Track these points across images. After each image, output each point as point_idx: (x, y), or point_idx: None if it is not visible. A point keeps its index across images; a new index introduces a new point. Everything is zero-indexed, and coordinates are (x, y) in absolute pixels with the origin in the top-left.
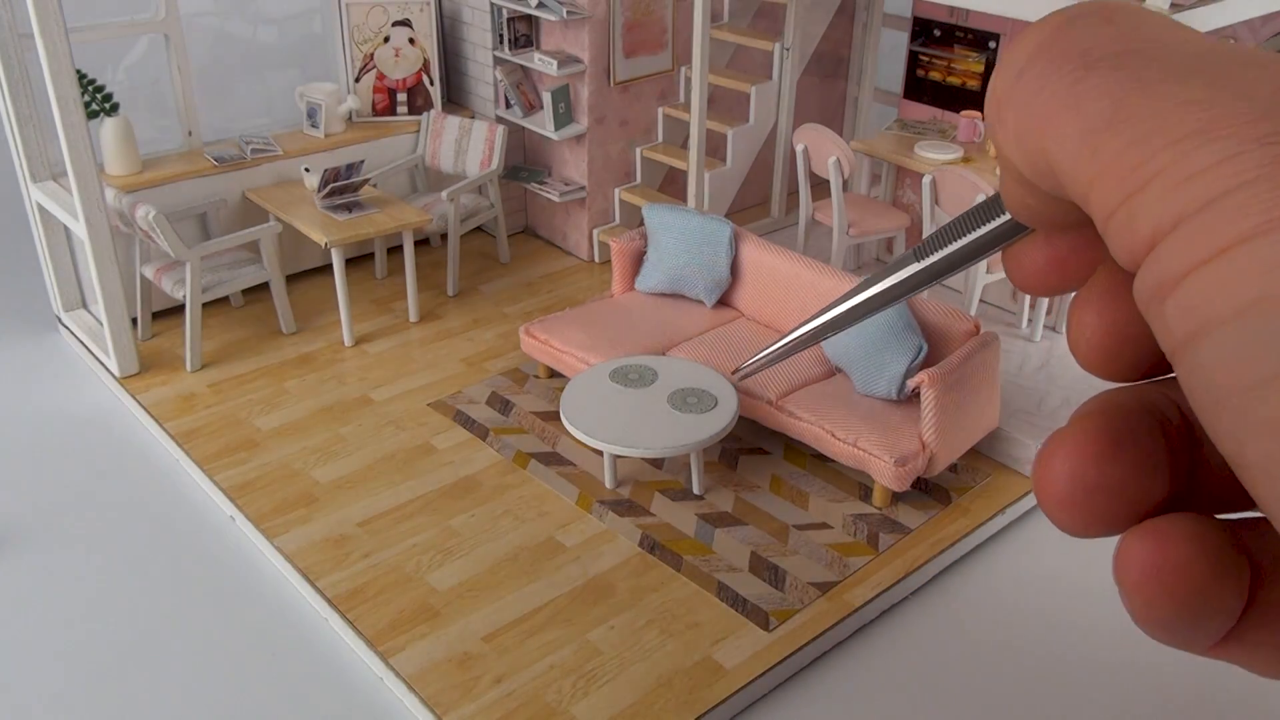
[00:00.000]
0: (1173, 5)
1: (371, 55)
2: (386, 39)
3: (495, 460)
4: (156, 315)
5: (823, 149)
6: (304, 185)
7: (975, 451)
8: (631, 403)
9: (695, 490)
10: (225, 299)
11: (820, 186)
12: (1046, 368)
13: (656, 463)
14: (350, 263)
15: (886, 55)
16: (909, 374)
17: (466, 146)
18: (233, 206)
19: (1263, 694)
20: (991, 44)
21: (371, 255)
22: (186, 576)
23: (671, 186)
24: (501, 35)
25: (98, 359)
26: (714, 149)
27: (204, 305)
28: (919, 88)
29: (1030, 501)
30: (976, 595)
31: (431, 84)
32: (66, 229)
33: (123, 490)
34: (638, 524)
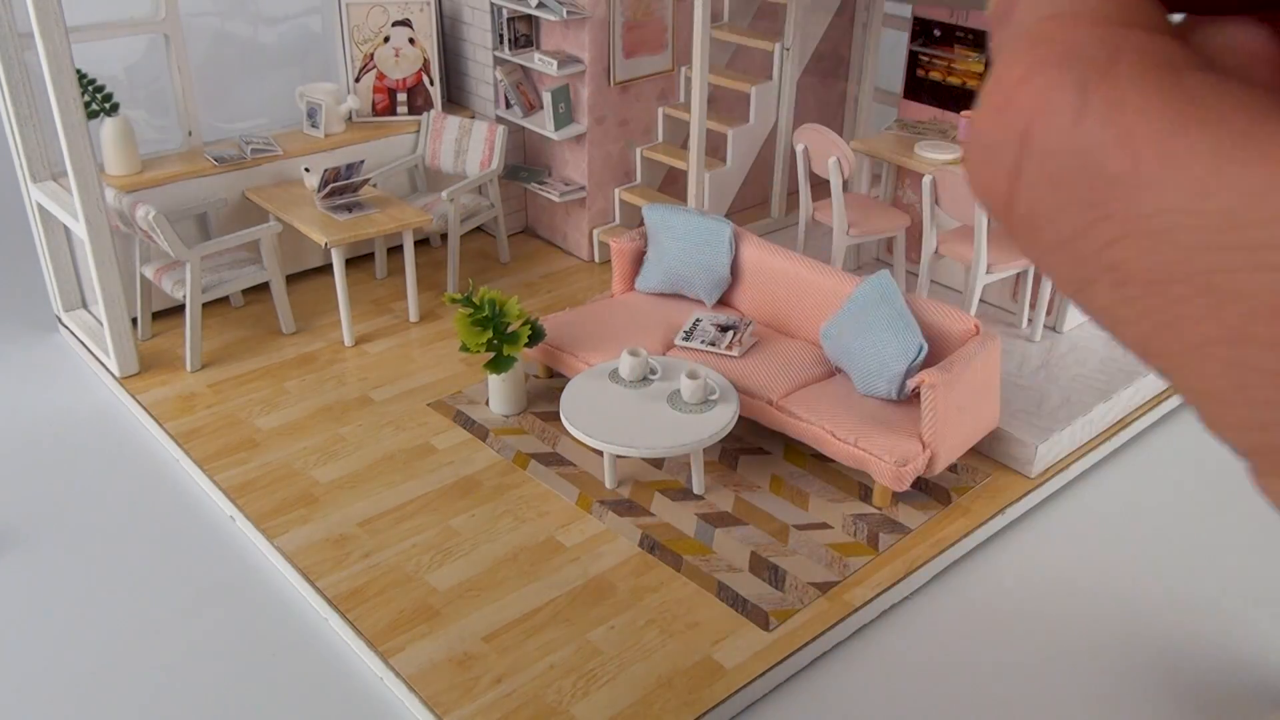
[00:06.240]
0: None
1: (371, 55)
2: (386, 39)
3: (495, 460)
4: (156, 315)
5: (823, 149)
6: (304, 185)
7: (975, 451)
8: (631, 403)
9: (695, 490)
10: (225, 299)
11: (820, 186)
12: (1046, 368)
13: (656, 463)
14: (350, 263)
15: (886, 55)
16: (909, 374)
17: (466, 146)
18: (233, 206)
19: (1262, 693)
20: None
21: (371, 255)
22: (186, 576)
23: (671, 186)
24: (501, 35)
25: (98, 359)
26: (714, 149)
27: (204, 305)
28: (919, 88)
29: (1030, 501)
30: (976, 595)
31: (431, 84)
32: (66, 229)
33: (123, 490)
34: (638, 524)
